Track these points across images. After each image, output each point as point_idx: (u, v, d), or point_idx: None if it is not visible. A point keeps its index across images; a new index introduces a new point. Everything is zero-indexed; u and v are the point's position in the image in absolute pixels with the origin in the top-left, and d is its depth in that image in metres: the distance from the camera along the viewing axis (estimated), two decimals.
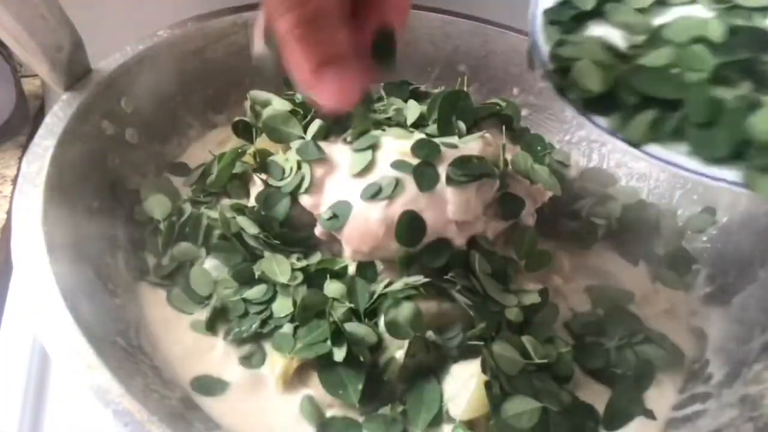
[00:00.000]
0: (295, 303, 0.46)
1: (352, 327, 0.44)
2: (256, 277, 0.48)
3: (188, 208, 0.53)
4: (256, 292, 0.48)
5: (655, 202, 0.62)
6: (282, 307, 0.47)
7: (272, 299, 0.48)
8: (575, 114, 0.37)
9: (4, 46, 0.64)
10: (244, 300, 0.48)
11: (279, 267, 0.47)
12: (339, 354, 0.42)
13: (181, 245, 0.51)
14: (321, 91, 0.35)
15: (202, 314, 0.48)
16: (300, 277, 0.47)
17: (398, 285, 0.45)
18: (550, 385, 0.45)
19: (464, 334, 0.45)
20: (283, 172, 0.48)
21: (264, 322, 0.47)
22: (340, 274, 0.48)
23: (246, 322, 0.47)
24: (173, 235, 0.51)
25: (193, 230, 0.51)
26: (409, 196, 0.45)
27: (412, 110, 0.53)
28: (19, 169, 0.45)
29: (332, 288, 0.46)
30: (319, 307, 0.45)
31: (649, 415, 0.47)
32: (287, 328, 0.46)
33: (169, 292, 0.49)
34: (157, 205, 0.52)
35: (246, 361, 0.46)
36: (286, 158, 0.49)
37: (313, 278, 0.48)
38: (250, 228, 0.48)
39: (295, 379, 0.45)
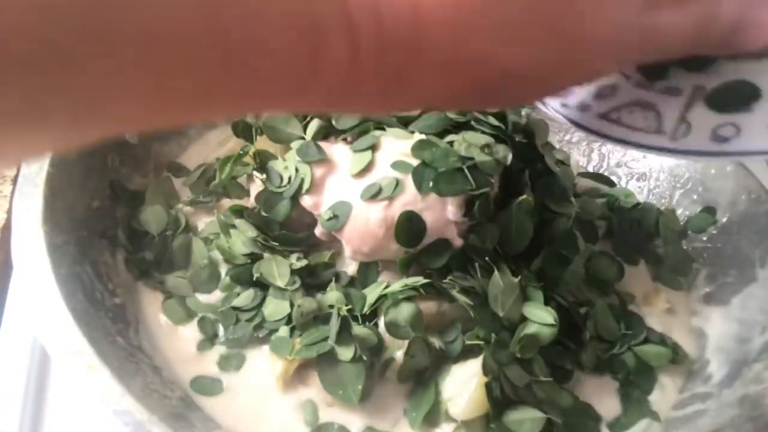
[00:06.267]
0: (292, 306, 0.46)
1: (353, 328, 0.44)
2: (255, 279, 0.48)
3: (183, 220, 0.53)
4: (244, 298, 0.48)
5: (655, 202, 0.62)
6: (277, 310, 0.47)
7: (261, 304, 0.48)
8: None
9: None
10: (234, 308, 0.48)
11: (278, 269, 0.47)
12: (346, 353, 0.42)
13: (173, 277, 0.50)
14: None
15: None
16: (298, 281, 0.47)
17: (398, 286, 0.45)
18: (552, 387, 0.45)
19: (464, 335, 0.45)
20: (281, 179, 0.48)
21: (257, 327, 0.47)
22: (331, 266, 0.48)
23: (238, 329, 0.47)
24: (166, 252, 0.51)
25: (184, 256, 0.51)
26: (409, 197, 0.45)
27: None
28: (19, 169, 0.45)
29: (331, 296, 0.46)
30: (316, 312, 0.45)
31: (655, 417, 0.47)
32: (283, 331, 0.46)
33: (164, 302, 0.49)
34: (153, 218, 0.52)
35: (224, 363, 0.46)
36: (285, 166, 0.48)
37: (311, 274, 0.48)
38: (249, 231, 0.48)
39: (295, 379, 0.45)
